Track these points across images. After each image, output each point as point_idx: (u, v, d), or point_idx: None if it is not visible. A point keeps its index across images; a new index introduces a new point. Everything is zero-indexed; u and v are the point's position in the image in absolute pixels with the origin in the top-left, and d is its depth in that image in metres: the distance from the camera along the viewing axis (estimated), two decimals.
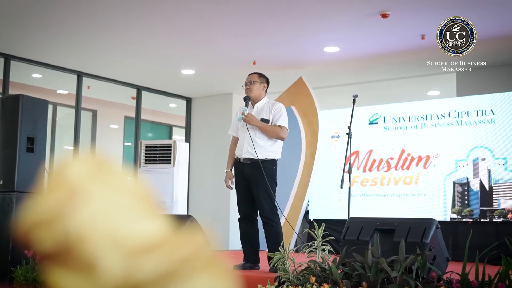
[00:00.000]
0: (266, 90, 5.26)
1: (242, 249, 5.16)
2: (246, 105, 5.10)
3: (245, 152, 5.00)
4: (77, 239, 0.40)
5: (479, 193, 7.19)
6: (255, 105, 5.17)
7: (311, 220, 8.14)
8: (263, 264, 5.00)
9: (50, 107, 5.97)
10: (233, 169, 5.22)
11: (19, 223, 0.42)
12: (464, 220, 7.23)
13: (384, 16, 6.25)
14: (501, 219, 6.97)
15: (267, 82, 5.27)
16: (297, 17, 6.44)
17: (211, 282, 0.41)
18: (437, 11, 6.17)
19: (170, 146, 7.14)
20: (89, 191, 0.42)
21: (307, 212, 8.44)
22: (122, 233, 0.41)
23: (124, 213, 0.43)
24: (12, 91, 7.81)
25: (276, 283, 3.88)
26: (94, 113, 10.71)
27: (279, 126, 5.03)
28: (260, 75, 5.24)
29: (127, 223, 0.42)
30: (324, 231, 4.13)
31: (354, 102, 5.82)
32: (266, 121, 5.05)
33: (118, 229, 0.41)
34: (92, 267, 0.40)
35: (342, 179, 5.51)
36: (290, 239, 7.02)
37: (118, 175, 0.45)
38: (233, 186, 5.19)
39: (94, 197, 0.42)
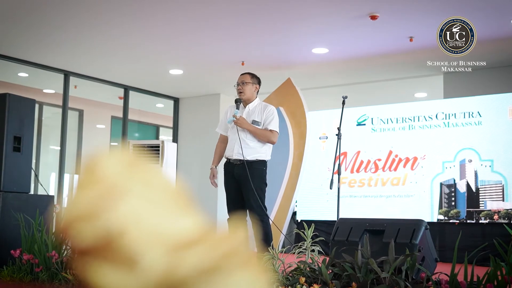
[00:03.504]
0: (258, 91, 5.24)
1: None
2: (238, 108, 5.06)
3: (235, 153, 4.99)
4: (118, 234, 0.39)
5: (465, 194, 7.24)
6: (247, 106, 5.15)
7: (299, 220, 8.15)
8: None
9: (36, 106, 5.91)
10: (218, 166, 5.22)
11: (61, 218, 0.41)
12: (451, 221, 7.27)
13: (373, 18, 6.27)
14: (487, 220, 7.02)
15: (259, 83, 5.24)
16: (286, 18, 6.44)
17: (249, 279, 0.41)
18: (425, 13, 6.21)
19: (158, 146, 7.10)
20: (127, 187, 0.42)
21: (294, 213, 8.45)
22: (163, 229, 0.41)
23: (163, 209, 0.42)
24: None
25: None
26: (81, 113, 10.64)
27: (270, 130, 5.02)
28: (253, 75, 5.21)
29: (167, 219, 0.42)
30: (313, 232, 4.13)
31: (343, 103, 5.83)
32: (257, 123, 5.04)
33: (158, 224, 0.41)
34: (133, 262, 0.39)
35: (332, 179, 5.52)
36: (278, 240, 7.02)
37: (151, 172, 0.44)
38: (218, 182, 5.20)
39: (133, 193, 0.42)
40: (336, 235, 4.21)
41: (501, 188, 7.04)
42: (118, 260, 0.39)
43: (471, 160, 7.27)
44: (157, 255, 0.40)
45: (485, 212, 7.07)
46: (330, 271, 3.67)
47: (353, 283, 3.42)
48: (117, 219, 0.40)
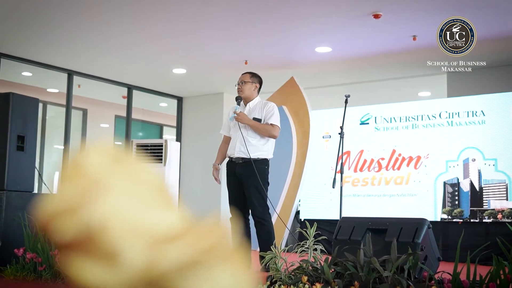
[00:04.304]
0: (259, 90, 5.25)
1: None
2: (238, 105, 5.09)
3: (237, 151, 4.99)
4: (100, 229, 0.40)
5: (469, 193, 7.23)
6: (247, 104, 5.16)
7: (302, 220, 8.15)
8: (255, 263, 5.00)
9: (40, 105, 5.92)
10: (220, 165, 5.24)
11: (41, 213, 0.42)
12: (454, 220, 7.26)
13: (376, 16, 6.26)
14: (491, 219, 7.00)
15: (260, 82, 5.24)
16: (289, 17, 6.44)
17: (231, 273, 0.41)
18: (428, 12, 6.20)
19: (162, 145, 7.10)
20: (110, 182, 0.42)
21: (298, 212, 8.45)
22: (144, 223, 0.41)
23: (145, 204, 0.42)
24: (1, 89, 7.75)
25: (268, 283, 3.87)
26: (85, 112, 10.66)
27: (271, 124, 5.02)
28: (253, 75, 5.22)
29: (149, 214, 0.42)
30: (315, 231, 4.13)
31: (346, 102, 5.82)
32: (258, 120, 5.05)
33: (140, 219, 0.41)
34: (114, 257, 0.39)
35: (334, 179, 5.51)
36: (281, 238, 7.02)
37: (135, 167, 0.44)
38: (222, 181, 5.22)
39: (115, 188, 0.42)
40: (338, 234, 4.22)
41: (504, 187, 7.02)
42: (100, 254, 0.40)
43: (474, 159, 7.25)
44: (138, 249, 0.40)
45: (489, 211, 7.05)
46: (333, 270, 3.67)
47: (356, 282, 3.42)
48: (99, 214, 0.40)
